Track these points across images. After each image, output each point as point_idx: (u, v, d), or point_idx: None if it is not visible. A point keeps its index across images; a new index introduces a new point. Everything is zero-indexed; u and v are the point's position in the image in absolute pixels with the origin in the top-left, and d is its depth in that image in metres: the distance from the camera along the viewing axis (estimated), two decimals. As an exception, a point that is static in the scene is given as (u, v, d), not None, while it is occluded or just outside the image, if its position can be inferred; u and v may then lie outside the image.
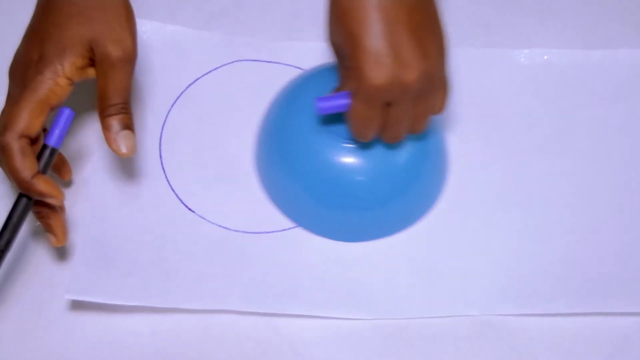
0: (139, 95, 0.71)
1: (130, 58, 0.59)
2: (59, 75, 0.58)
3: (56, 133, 0.58)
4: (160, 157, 0.69)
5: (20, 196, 0.59)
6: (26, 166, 0.57)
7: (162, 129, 0.70)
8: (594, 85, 0.73)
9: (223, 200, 0.68)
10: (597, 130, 0.71)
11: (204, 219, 0.67)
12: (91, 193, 0.66)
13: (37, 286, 0.64)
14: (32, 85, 0.58)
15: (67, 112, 0.58)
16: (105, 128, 0.59)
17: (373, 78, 0.55)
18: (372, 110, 0.57)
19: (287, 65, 0.73)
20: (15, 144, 0.57)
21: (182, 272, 0.64)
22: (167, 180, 0.68)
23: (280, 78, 0.72)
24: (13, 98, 0.59)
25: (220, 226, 0.67)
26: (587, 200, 0.68)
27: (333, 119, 0.63)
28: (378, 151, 0.63)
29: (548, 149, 0.70)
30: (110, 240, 0.65)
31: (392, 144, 0.61)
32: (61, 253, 0.65)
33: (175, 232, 0.66)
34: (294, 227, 0.67)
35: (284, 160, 0.66)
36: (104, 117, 0.59)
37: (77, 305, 0.63)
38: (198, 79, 0.72)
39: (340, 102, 0.59)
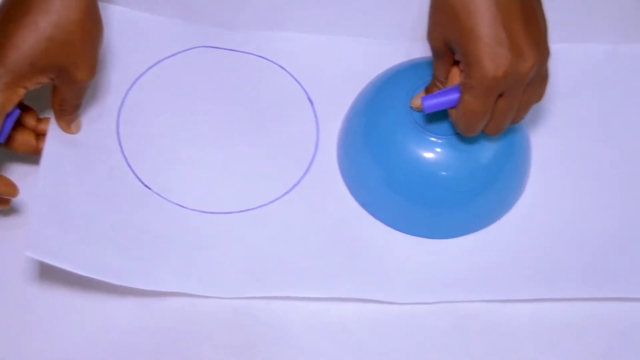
0: (100, 73, 0.70)
1: (93, 77, 0.62)
2: (19, 86, 0.59)
3: (3, 130, 0.60)
4: (118, 133, 0.68)
5: None
6: None
7: (121, 107, 0.69)
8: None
9: (182, 179, 0.67)
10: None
11: (161, 196, 0.66)
12: (46, 156, 0.64)
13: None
14: None
15: (15, 112, 0.60)
16: (63, 122, 0.65)
17: (493, 69, 0.55)
18: (487, 102, 0.57)
19: (248, 53, 0.73)
20: None
21: (137, 249, 0.63)
22: (125, 157, 0.67)
23: (241, 65, 0.72)
24: None
25: (177, 205, 0.66)
26: (583, 190, 0.69)
27: (422, 114, 0.63)
28: (465, 147, 0.63)
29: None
30: (65, 209, 0.63)
31: (494, 135, 0.61)
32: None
33: (131, 208, 0.65)
34: (253, 209, 0.66)
35: (369, 153, 0.66)
36: (63, 116, 0.64)
37: (46, 288, 0.62)
38: (160, 61, 0.72)
39: (449, 98, 0.59)
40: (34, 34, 0.58)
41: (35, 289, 0.62)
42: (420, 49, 0.71)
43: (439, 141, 0.63)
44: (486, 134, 0.61)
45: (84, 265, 0.60)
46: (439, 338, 0.62)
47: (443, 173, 0.64)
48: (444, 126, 0.64)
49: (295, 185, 0.68)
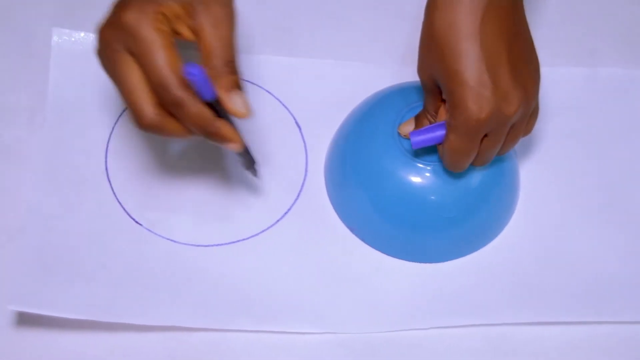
0: (85, 107, 0.70)
1: (233, 12, 0.55)
2: (156, 11, 0.53)
3: (204, 86, 0.53)
4: (106, 169, 0.68)
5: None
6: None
7: (109, 141, 0.69)
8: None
9: (171, 212, 0.67)
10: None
11: (151, 232, 0.66)
12: (32, 201, 0.65)
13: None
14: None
15: (197, 70, 0.52)
16: (222, 87, 0.54)
17: (476, 112, 0.55)
18: (472, 142, 0.57)
19: None
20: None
21: (127, 285, 0.63)
22: (114, 193, 0.67)
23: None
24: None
25: (168, 239, 0.66)
26: (571, 212, 0.69)
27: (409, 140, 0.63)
28: (453, 173, 0.63)
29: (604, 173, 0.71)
30: (52, 251, 0.63)
31: (481, 167, 0.61)
32: (3, 262, 0.63)
33: (121, 245, 0.65)
34: (243, 240, 0.66)
35: (357, 177, 0.66)
36: (218, 75, 0.54)
37: (21, 320, 0.62)
38: (146, 90, 0.71)
39: (435, 135, 0.59)
40: None
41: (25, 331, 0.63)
42: (408, 73, 0.71)
43: (427, 167, 0.63)
44: (473, 165, 0.61)
45: (72, 309, 0.61)
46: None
47: (432, 198, 0.64)
48: (431, 152, 0.64)
49: (286, 212, 0.68)
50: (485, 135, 0.57)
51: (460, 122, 0.56)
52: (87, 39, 0.72)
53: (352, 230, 0.68)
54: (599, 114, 0.73)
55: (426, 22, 0.57)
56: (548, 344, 0.64)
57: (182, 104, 0.52)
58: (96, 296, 0.62)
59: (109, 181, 0.67)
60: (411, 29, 0.74)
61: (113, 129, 0.69)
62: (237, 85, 0.55)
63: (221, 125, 0.54)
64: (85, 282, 0.63)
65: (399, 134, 0.64)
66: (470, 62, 0.54)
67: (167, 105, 0.52)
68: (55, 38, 0.71)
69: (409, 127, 0.63)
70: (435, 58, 0.56)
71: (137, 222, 0.66)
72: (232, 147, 0.55)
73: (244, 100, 0.55)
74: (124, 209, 0.66)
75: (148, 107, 0.52)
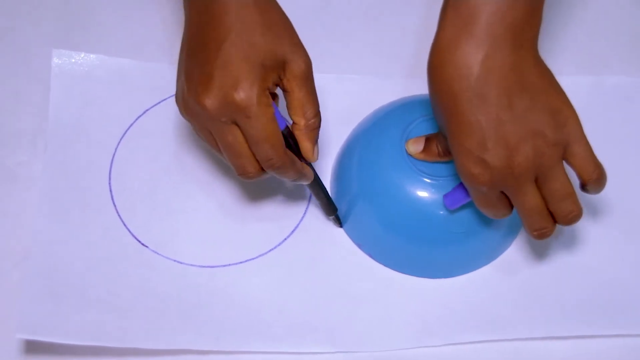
0: (86, 128, 0.69)
1: (311, 66, 0.59)
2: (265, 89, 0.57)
3: (278, 119, 0.58)
4: (110, 191, 0.67)
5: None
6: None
7: (112, 163, 0.68)
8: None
9: (177, 233, 0.66)
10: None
11: (158, 254, 0.65)
12: (36, 227, 0.64)
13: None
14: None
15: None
16: (310, 139, 0.60)
17: (479, 177, 0.55)
18: (490, 200, 0.57)
19: None
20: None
21: (136, 309, 0.62)
22: (119, 215, 0.66)
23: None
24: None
25: (175, 261, 0.65)
26: (581, 223, 0.67)
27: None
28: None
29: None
30: (59, 277, 0.62)
31: (568, 223, 0.58)
32: (9, 290, 0.63)
33: (128, 268, 0.64)
34: (251, 259, 0.66)
35: (364, 193, 0.66)
36: (308, 126, 0.60)
37: (30, 349, 0.61)
38: (147, 110, 0.71)
39: (464, 194, 0.60)
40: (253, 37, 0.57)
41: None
42: (413, 85, 0.71)
43: (435, 182, 0.63)
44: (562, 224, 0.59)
45: (82, 335, 0.60)
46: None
47: (440, 212, 0.63)
48: (438, 167, 0.63)
49: (293, 231, 0.67)
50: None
51: (468, 184, 0.57)
52: (87, 59, 0.71)
53: (360, 246, 0.67)
54: (606, 123, 0.72)
55: (428, 81, 0.56)
56: (562, 358, 0.63)
57: (284, 169, 0.58)
58: (105, 321, 0.61)
59: (114, 203, 0.67)
60: (415, 41, 0.74)
61: (116, 149, 0.69)
62: (317, 137, 0.61)
63: (306, 170, 0.62)
64: (93, 307, 0.62)
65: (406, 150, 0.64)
66: (470, 128, 0.54)
67: (268, 169, 0.58)
68: (55, 59, 0.70)
69: (417, 147, 0.63)
70: (439, 119, 0.57)
71: (143, 244, 0.65)
72: (306, 182, 0.62)
73: (318, 149, 0.62)
74: (130, 231, 0.66)
75: (251, 167, 0.58)
